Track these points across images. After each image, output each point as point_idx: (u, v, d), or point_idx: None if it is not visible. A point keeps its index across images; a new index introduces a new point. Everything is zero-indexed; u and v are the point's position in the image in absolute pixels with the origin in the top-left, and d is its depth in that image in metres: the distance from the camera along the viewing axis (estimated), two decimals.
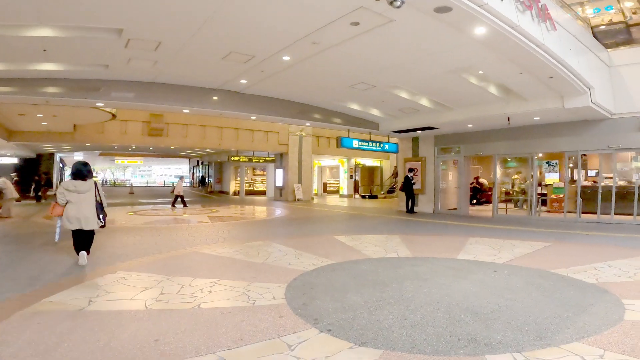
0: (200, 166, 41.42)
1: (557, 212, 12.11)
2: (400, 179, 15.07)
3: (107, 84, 8.91)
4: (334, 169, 33.58)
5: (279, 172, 22.58)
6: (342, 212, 14.25)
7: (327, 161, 29.04)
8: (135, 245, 6.97)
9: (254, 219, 11.70)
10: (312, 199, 23.02)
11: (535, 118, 10.49)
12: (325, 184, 31.25)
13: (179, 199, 15.21)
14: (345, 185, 26.58)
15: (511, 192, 15.14)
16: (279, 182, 22.49)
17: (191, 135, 19.06)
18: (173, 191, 15.65)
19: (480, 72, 8.24)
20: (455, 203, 14.75)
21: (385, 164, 28.06)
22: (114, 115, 13.30)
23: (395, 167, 27.31)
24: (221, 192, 31.79)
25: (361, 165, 26.90)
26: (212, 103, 10.01)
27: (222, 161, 31.73)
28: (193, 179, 44.11)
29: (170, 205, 15.32)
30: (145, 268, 5.16)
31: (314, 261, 5.62)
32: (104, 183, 51.03)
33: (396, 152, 14.44)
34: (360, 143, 13.01)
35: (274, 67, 8.17)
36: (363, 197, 25.42)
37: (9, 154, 23.61)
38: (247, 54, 7.41)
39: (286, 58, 7.51)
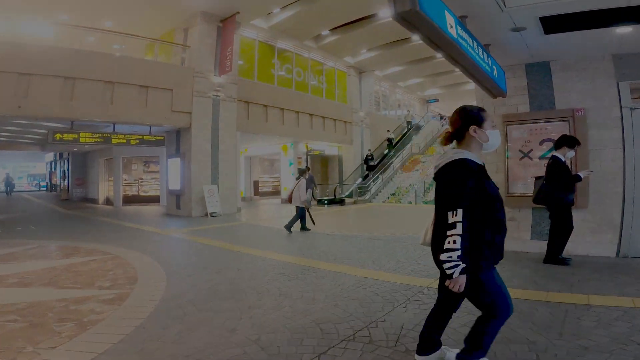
0: (60, 160, 27.27)
1: None
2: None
3: None
4: (266, 162, 23.19)
5: (174, 165, 11.83)
6: (348, 284, 4.51)
7: (259, 147, 18.69)
8: None
9: None
10: (239, 210, 12.78)
11: None
12: (256, 183, 20.83)
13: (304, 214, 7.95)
14: (290, 184, 16.53)
15: None
16: (175, 184, 11.76)
17: None
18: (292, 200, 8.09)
19: None
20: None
21: (347, 152, 18.72)
22: None
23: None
24: (86, 199, 19.89)
25: (317, 153, 17.21)
26: None
27: (86, 151, 19.59)
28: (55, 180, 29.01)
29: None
30: None
31: None
32: None
33: (504, 90, 5.11)
34: (459, 31, 3.36)
35: None
36: (321, 202, 15.80)
37: None
38: None
39: None
